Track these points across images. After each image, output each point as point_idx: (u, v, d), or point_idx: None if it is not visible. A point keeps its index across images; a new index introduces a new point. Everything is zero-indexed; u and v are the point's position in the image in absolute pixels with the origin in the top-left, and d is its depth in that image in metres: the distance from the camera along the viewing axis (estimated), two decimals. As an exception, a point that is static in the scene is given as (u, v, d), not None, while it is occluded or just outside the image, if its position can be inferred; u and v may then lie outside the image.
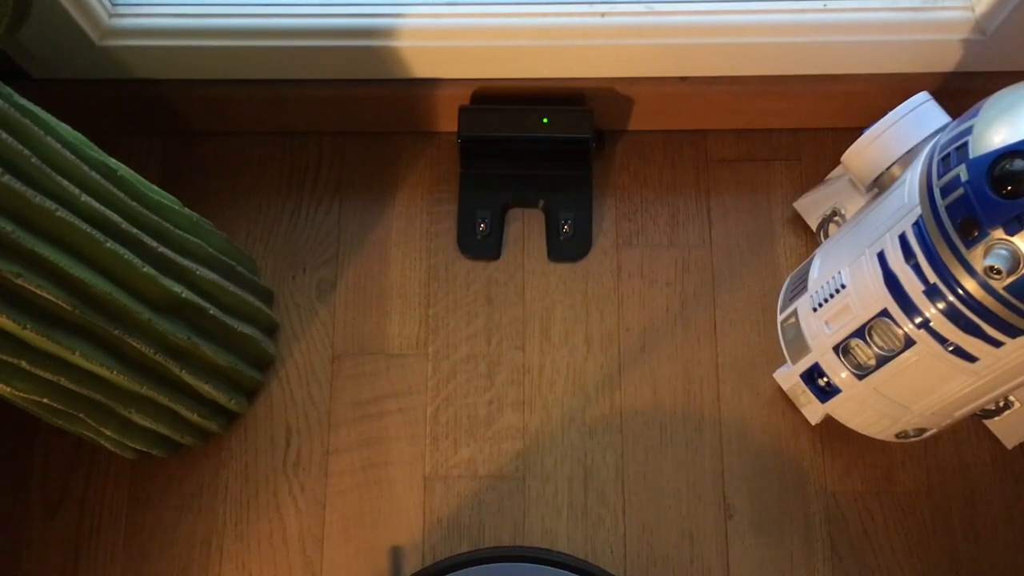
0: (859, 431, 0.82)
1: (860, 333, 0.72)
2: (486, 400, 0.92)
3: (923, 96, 0.75)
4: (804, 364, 0.80)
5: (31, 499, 0.90)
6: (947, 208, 0.62)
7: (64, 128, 0.70)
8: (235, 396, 0.88)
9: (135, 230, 0.73)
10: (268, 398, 0.93)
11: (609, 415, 0.92)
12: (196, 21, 0.88)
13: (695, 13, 0.87)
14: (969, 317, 0.64)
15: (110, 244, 0.70)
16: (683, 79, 0.93)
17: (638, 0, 0.87)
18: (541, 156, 0.96)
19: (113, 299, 0.71)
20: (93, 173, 0.70)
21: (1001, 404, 0.88)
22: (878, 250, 0.69)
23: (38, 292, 0.65)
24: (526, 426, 0.92)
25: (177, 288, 0.77)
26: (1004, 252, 0.59)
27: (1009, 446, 0.90)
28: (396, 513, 0.89)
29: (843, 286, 0.73)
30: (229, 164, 1.00)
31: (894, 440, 0.82)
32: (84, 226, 0.67)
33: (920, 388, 0.73)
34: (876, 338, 0.72)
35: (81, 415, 0.77)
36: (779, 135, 0.99)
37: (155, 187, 0.81)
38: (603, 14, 0.87)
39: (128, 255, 0.71)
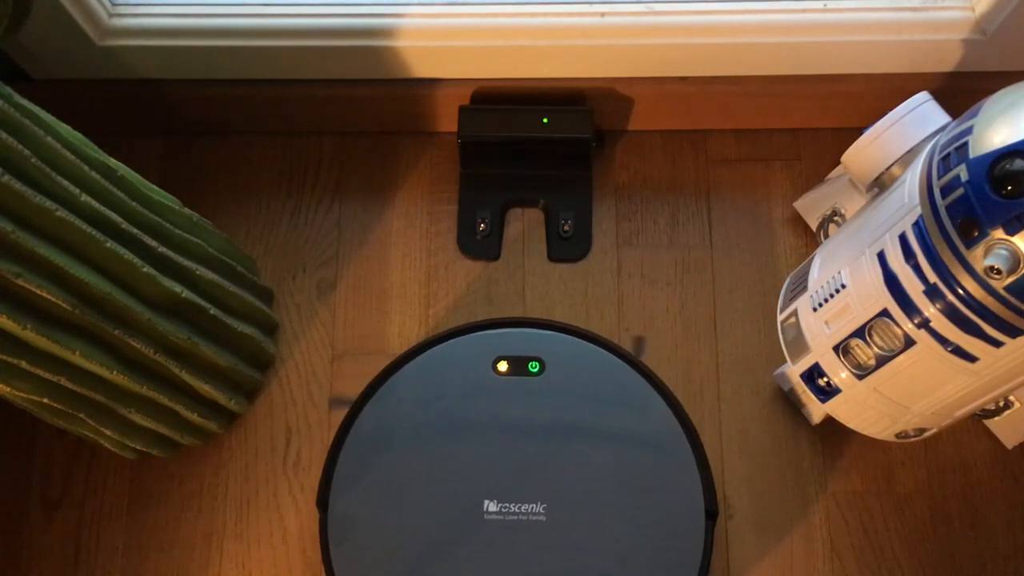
0: (859, 431, 0.82)
1: (860, 333, 0.72)
2: (486, 400, 0.92)
3: (923, 96, 0.75)
4: (804, 364, 0.80)
5: (31, 499, 0.90)
6: (947, 208, 0.62)
7: (64, 128, 0.70)
8: (235, 396, 0.88)
9: (135, 230, 0.73)
10: (268, 398, 0.93)
11: (609, 415, 0.92)
12: (196, 21, 0.88)
13: (695, 13, 0.87)
14: (969, 317, 0.64)
15: (110, 244, 0.70)
16: (683, 79, 0.93)
17: (638, 0, 0.88)
18: (541, 156, 0.96)
19: (113, 299, 0.71)
20: (93, 173, 0.70)
21: (1001, 404, 0.88)
22: (878, 250, 0.69)
23: (38, 292, 0.65)
24: (526, 426, 0.92)
25: (177, 288, 0.77)
26: (1004, 252, 0.59)
27: (1009, 446, 0.90)
28: (396, 513, 0.89)
29: (843, 286, 0.73)
30: (229, 164, 1.00)
31: (894, 440, 0.82)
32: (84, 226, 0.67)
33: (920, 388, 0.73)
34: (876, 338, 0.72)
35: (81, 415, 0.77)
36: (779, 135, 0.99)
37: (155, 187, 0.81)
38: (603, 14, 0.87)
39: (128, 255, 0.71)
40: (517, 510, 0.80)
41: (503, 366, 0.84)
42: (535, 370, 0.84)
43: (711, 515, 0.81)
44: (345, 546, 0.80)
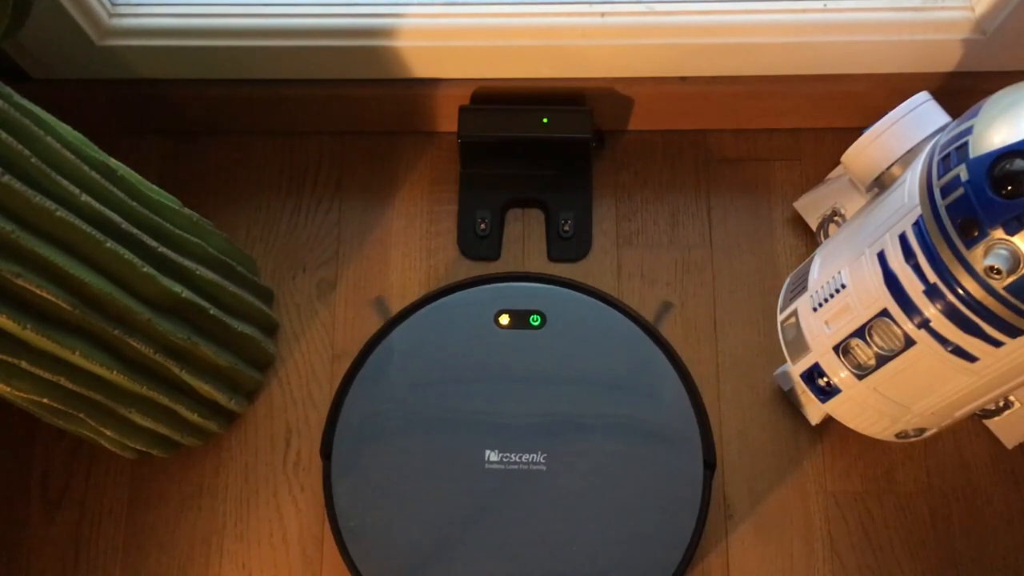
0: (859, 431, 0.82)
1: (860, 333, 0.72)
2: (486, 400, 0.92)
3: (923, 96, 0.75)
4: (804, 364, 0.80)
5: (31, 499, 0.90)
6: (947, 208, 0.62)
7: (64, 128, 0.70)
8: (235, 396, 0.88)
9: (135, 230, 0.73)
10: (268, 398, 0.93)
11: (609, 415, 0.92)
12: (196, 21, 0.88)
13: (695, 13, 0.87)
14: (969, 317, 0.64)
15: (110, 244, 0.70)
16: (683, 79, 0.93)
17: (638, 0, 0.88)
18: (541, 156, 0.96)
19: (113, 299, 0.71)
20: (93, 173, 0.70)
21: (1001, 404, 0.88)
22: (878, 250, 0.69)
23: (38, 292, 0.65)
24: (526, 426, 0.92)
25: (177, 288, 0.77)
26: (1004, 252, 0.59)
27: (1009, 446, 0.90)
28: (396, 513, 0.89)
29: (843, 286, 0.73)
30: (229, 164, 1.00)
31: (894, 440, 0.82)
32: (84, 226, 0.67)
33: (920, 388, 0.73)
34: (876, 338, 0.72)
35: (81, 415, 0.77)
36: (779, 135, 0.99)
37: (155, 187, 0.81)
38: (603, 14, 0.87)
39: (128, 255, 0.71)
40: (518, 460, 0.82)
41: (505, 319, 0.86)
42: (536, 323, 0.86)
43: (709, 466, 0.82)
44: (348, 495, 0.82)
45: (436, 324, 0.87)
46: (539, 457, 0.82)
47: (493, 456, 0.82)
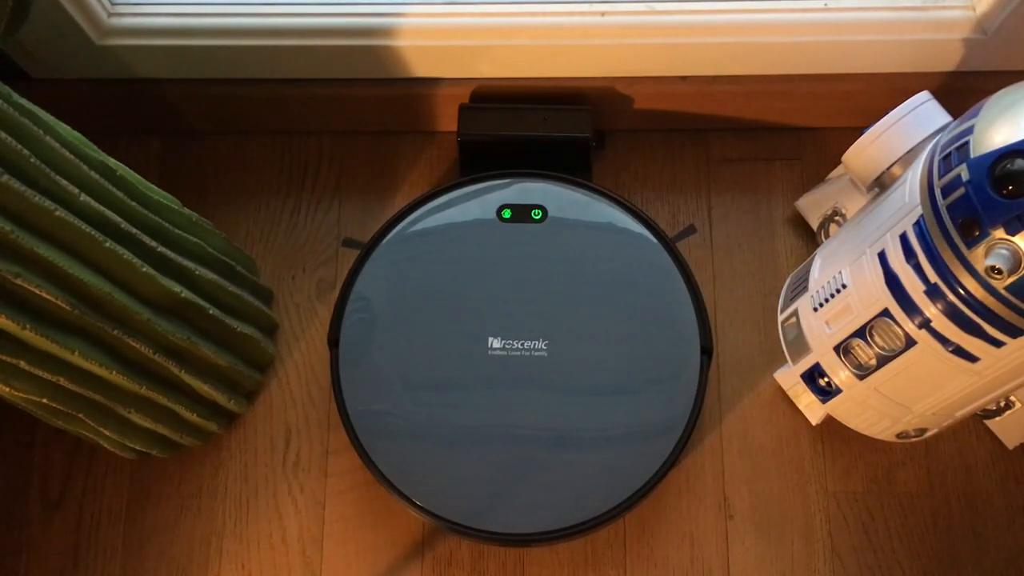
0: (859, 431, 0.82)
1: (861, 333, 0.72)
2: (486, 400, 0.92)
3: (924, 96, 0.74)
4: (805, 364, 0.80)
5: (31, 499, 0.90)
6: (948, 208, 0.62)
7: (64, 128, 0.70)
8: (235, 396, 0.88)
9: (135, 230, 0.73)
10: (268, 398, 0.93)
11: (609, 415, 0.91)
12: (196, 21, 0.88)
13: (695, 13, 0.87)
14: (970, 317, 0.64)
15: (109, 244, 0.70)
16: (683, 79, 0.93)
17: (638, 0, 0.87)
18: (541, 156, 0.96)
19: (113, 299, 0.71)
20: (93, 173, 0.70)
21: (1002, 404, 0.88)
22: (879, 250, 0.69)
23: (38, 292, 0.65)
24: (526, 426, 0.91)
25: (177, 288, 0.77)
26: (1005, 252, 0.59)
27: (1010, 446, 0.90)
28: (396, 513, 0.89)
29: (844, 286, 0.73)
30: (229, 164, 1.00)
31: (894, 440, 0.82)
32: (84, 226, 0.67)
33: (921, 388, 0.73)
34: (877, 338, 0.72)
35: (81, 415, 0.77)
36: (779, 135, 0.99)
37: (155, 187, 0.81)
38: (603, 14, 0.87)
39: (128, 255, 0.71)
40: (520, 346, 0.84)
41: (507, 213, 0.89)
42: (538, 217, 0.89)
43: (706, 351, 0.85)
44: (355, 380, 0.85)
45: (441, 217, 0.90)
46: (541, 344, 0.84)
47: (496, 343, 0.84)
